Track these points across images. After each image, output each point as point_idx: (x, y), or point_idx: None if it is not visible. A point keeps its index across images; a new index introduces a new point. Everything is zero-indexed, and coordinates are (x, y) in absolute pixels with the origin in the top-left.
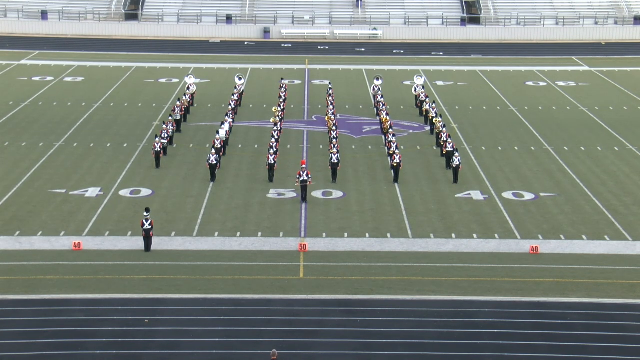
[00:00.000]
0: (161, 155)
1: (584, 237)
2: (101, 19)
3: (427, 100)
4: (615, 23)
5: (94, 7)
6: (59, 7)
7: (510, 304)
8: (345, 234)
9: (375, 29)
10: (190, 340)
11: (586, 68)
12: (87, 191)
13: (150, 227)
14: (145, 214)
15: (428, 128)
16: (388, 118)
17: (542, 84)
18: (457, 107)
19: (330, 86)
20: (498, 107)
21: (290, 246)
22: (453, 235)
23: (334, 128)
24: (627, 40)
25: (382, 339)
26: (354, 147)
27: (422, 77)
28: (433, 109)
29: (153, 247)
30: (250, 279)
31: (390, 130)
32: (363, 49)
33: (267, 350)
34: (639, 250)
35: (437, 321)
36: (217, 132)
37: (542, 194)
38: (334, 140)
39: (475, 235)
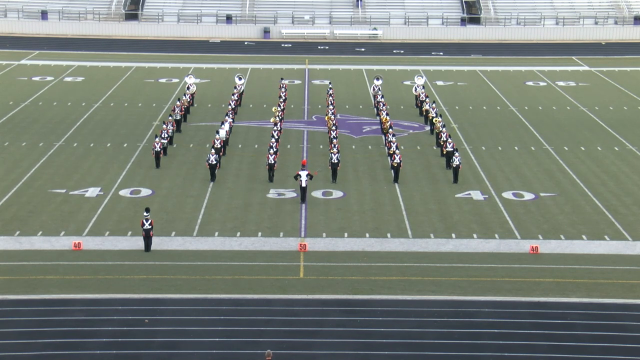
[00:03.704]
0: (161, 155)
1: (584, 237)
2: (101, 19)
3: (427, 100)
4: (615, 23)
5: (94, 7)
6: (59, 7)
7: (510, 304)
8: (345, 234)
9: (375, 29)
10: (190, 340)
11: (586, 68)
12: (87, 191)
13: (150, 227)
14: (145, 214)
15: (428, 128)
16: (388, 118)
17: (542, 84)
18: (457, 107)
19: (330, 86)
20: (498, 107)
21: (290, 246)
22: (453, 235)
23: (333, 128)
24: (627, 40)
25: (382, 339)
26: (354, 147)
27: (422, 77)
28: (433, 109)
29: (153, 247)
30: (250, 279)
31: (390, 130)
32: (363, 49)
33: (267, 350)
34: (639, 250)
35: (437, 321)
36: (217, 132)
37: (542, 194)
38: (334, 140)
39: (475, 235)
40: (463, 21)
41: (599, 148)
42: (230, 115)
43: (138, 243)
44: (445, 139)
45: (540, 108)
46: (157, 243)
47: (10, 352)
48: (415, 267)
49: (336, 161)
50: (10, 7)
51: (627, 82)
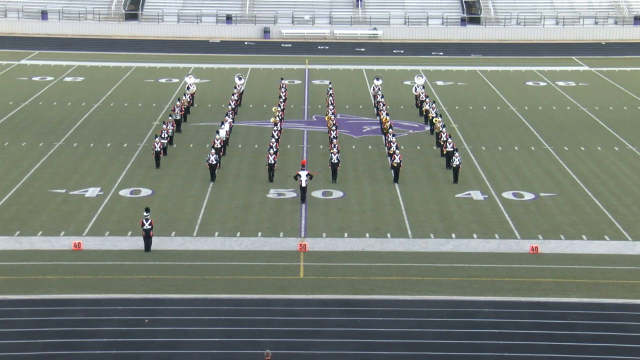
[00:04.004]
0: (161, 155)
1: (584, 237)
2: (101, 19)
3: (427, 100)
4: (615, 23)
5: (94, 7)
6: (59, 7)
7: (510, 304)
8: (345, 234)
9: (375, 29)
10: (190, 340)
11: (586, 68)
12: (87, 191)
13: (150, 227)
14: (145, 214)
15: (428, 128)
16: (388, 118)
17: (542, 84)
18: (457, 107)
19: (330, 86)
20: (498, 107)
21: (290, 246)
22: (453, 235)
23: (333, 128)
24: (627, 40)
25: (382, 339)
26: (354, 147)
27: (422, 77)
28: (433, 109)
29: (153, 247)
30: (250, 279)
31: (390, 130)
32: (363, 49)
33: (267, 350)
34: (639, 250)
35: (437, 321)
36: (217, 132)
37: (542, 194)
38: (334, 140)
39: (475, 235)
40: (463, 21)
41: (599, 148)
42: (230, 115)
43: (138, 243)
44: (445, 139)
45: (540, 108)
46: (157, 243)
47: (10, 352)
48: (415, 267)
49: (336, 161)
50: (10, 7)
51: (627, 82)
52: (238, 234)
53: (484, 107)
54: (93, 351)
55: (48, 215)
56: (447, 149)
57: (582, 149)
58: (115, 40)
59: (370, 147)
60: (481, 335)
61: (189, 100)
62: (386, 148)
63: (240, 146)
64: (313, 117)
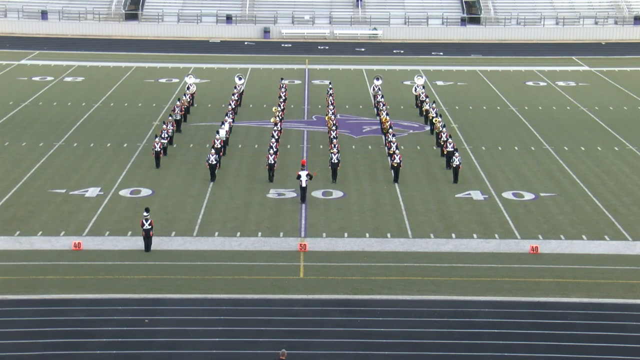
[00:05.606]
0: (161, 155)
1: (584, 237)
2: (101, 19)
3: (427, 100)
4: (615, 23)
5: (94, 7)
6: (59, 7)
7: (510, 304)
8: (345, 234)
9: (375, 29)
10: (190, 340)
11: (586, 68)
12: (87, 191)
13: (150, 227)
14: (145, 214)
15: (428, 128)
16: (388, 118)
17: (542, 84)
18: (457, 107)
19: (330, 86)
20: (498, 107)
21: (290, 246)
22: (453, 235)
23: (334, 128)
24: (627, 40)
25: (382, 339)
26: (354, 147)
27: (422, 77)
28: (433, 109)
29: (153, 247)
30: (250, 279)
31: (390, 130)
32: (363, 49)
33: (267, 350)
34: (639, 250)
35: (437, 321)
36: (217, 132)
37: (542, 194)
38: (334, 140)
39: (475, 235)
40: (463, 21)
41: (599, 148)
42: (230, 115)
43: (138, 243)
44: (445, 139)
45: (540, 108)
46: (157, 243)
47: (10, 352)
48: (415, 267)
49: (336, 161)
50: (10, 7)
51: (627, 82)
52: (238, 234)
53: (484, 107)
54: (93, 351)
55: (48, 215)
56: (447, 149)
57: (582, 149)
58: (115, 40)
59: (370, 147)
60: (481, 335)
61: (189, 100)
62: (386, 148)
63: (240, 146)
64: (313, 117)
